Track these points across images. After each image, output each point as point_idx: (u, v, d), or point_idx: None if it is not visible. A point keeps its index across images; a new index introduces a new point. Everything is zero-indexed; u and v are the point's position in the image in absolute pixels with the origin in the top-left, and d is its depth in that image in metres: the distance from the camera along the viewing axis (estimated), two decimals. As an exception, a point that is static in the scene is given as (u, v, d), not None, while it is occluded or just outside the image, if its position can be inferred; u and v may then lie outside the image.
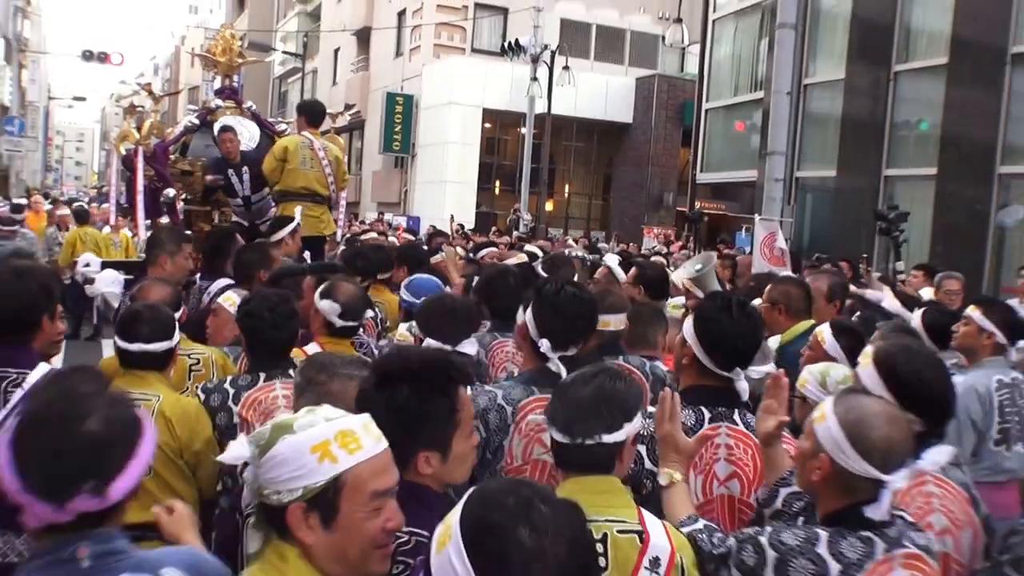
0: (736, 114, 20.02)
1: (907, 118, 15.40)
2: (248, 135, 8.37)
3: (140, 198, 8.57)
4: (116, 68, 39.41)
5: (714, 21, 21.38)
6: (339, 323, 3.75)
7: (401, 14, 27.24)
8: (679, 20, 18.09)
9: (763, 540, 2.14)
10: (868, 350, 2.79)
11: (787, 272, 7.72)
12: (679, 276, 5.51)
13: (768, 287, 5.01)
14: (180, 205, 8.72)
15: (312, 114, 8.00)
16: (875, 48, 15.70)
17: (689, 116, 23.03)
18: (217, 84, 9.75)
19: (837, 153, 16.47)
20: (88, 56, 34.59)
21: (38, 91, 52.49)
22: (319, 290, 3.90)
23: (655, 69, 26.18)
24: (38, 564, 1.66)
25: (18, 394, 2.51)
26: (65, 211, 15.04)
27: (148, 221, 8.50)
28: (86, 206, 14.56)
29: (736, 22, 20.30)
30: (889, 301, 5.77)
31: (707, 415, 2.75)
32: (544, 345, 2.97)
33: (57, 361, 3.30)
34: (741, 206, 21.34)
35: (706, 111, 21.23)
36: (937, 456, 2.52)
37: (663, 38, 25.13)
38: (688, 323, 2.89)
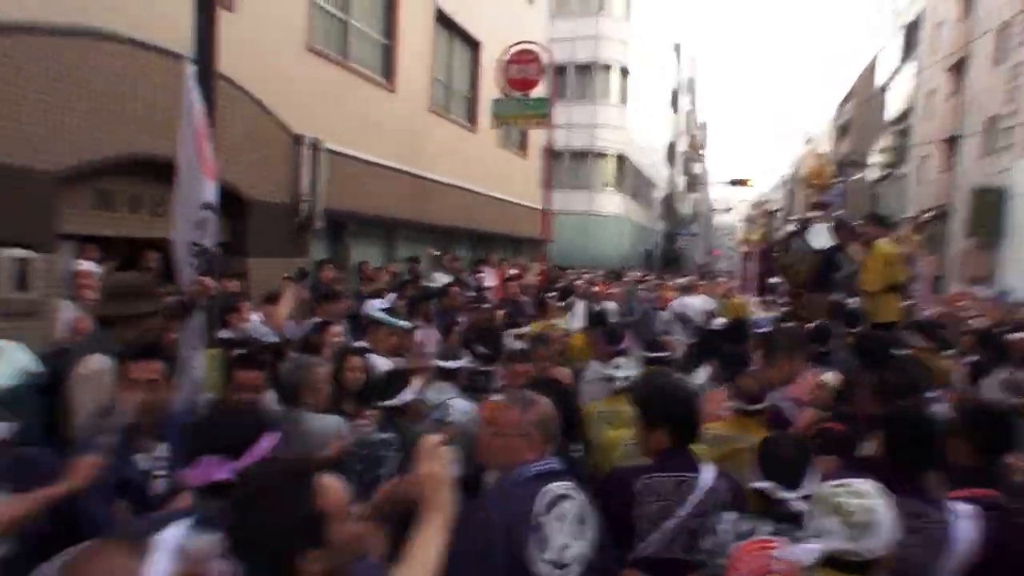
0: None
1: None
2: (825, 238, 7.07)
3: (754, 283, 8.52)
4: (751, 189, 39.67)
5: None
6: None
7: (992, 119, 21.26)
8: None
9: None
10: None
11: None
12: None
13: None
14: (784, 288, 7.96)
15: (883, 223, 6.59)
16: None
17: None
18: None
19: None
20: (733, 182, 35.31)
21: (704, 205, 55.48)
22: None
23: None
24: None
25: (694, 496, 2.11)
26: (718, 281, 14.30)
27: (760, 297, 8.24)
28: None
29: None
30: None
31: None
32: None
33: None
34: None
35: None
36: None
37: None
38: None
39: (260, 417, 1.99)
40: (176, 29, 4.64)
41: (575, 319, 7.29)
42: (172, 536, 1.26)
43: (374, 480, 2.49)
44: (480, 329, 4.72)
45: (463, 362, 3.63)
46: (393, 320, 4.05)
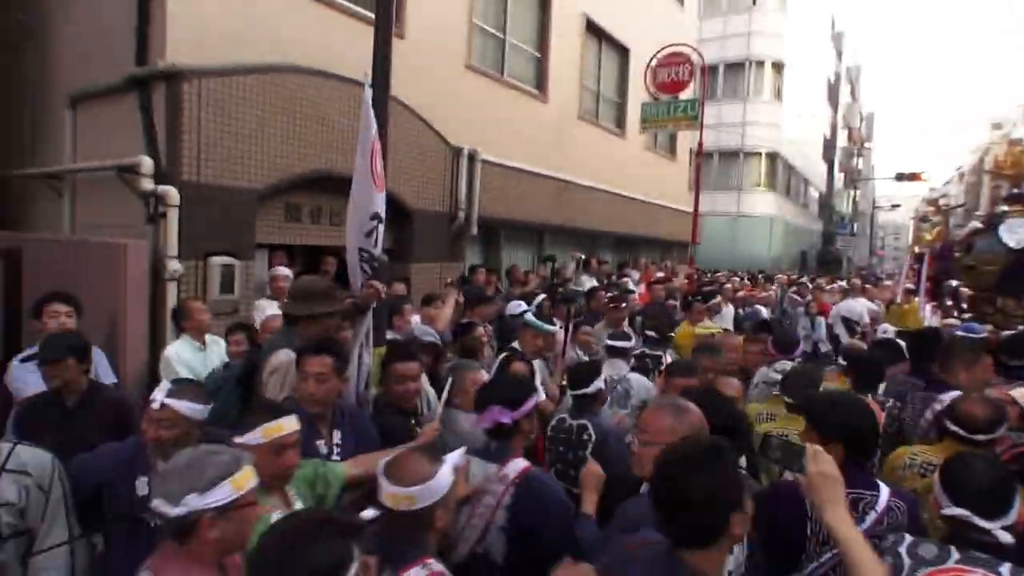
0: None
1: None
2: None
3: (923, 286, 7.60)
4: (922, 183, 35.19)
5: None
6: None
7: None
8: None
9: None
10: None
11: None
12: None
13: None
14: (965, 292, 6.92)
15: None
16: None
17: None
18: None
19: None
20: (900, 177, 31.63)
21: (866, 202, 50.31)
22: None
23: None
24: None
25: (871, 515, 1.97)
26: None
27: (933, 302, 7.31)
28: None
29: None
30: None
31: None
32: None
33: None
34: None
35: None
36: None
37: None
38: None
39: (531, 383, 2.47)
40: (355, 59, 5.01)
41: (723, 322, 6.92)
42: (455, 456, 1.78)
43: (576, 461, 2.80)
44: (651, 314, 5.36)
45: (632, 343, 4.24)
46: (541, 324, 4.14)
